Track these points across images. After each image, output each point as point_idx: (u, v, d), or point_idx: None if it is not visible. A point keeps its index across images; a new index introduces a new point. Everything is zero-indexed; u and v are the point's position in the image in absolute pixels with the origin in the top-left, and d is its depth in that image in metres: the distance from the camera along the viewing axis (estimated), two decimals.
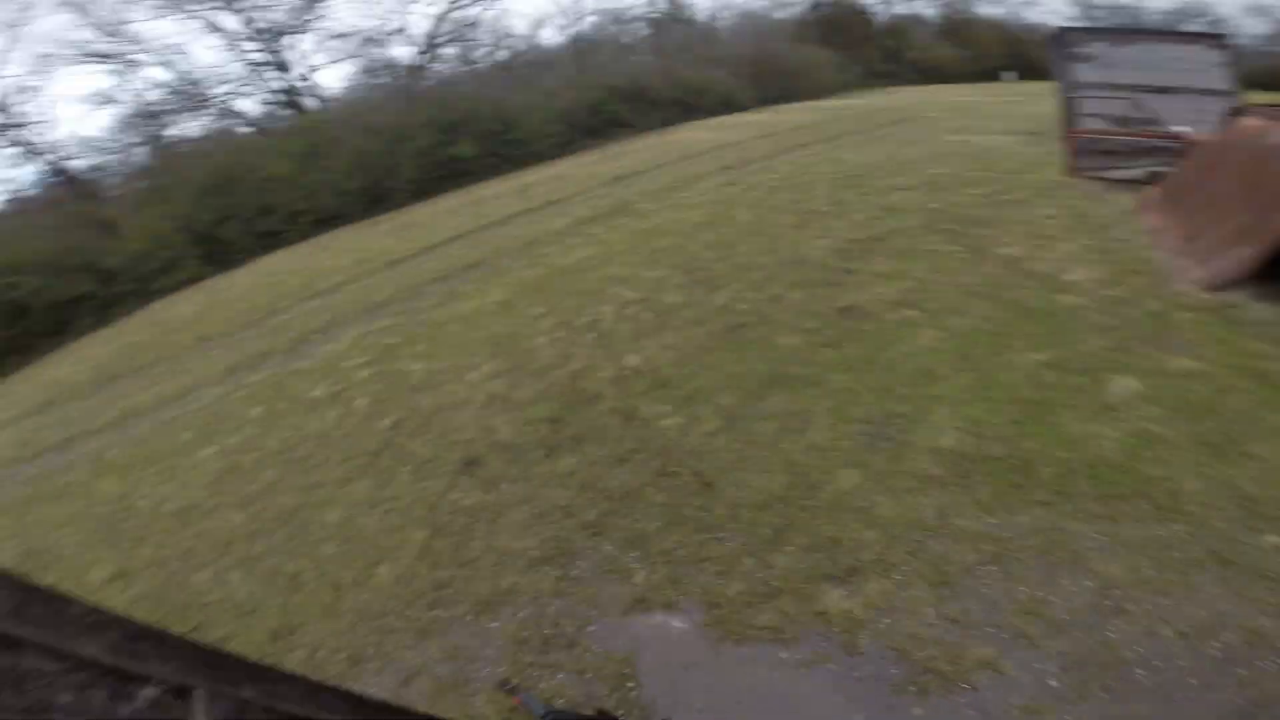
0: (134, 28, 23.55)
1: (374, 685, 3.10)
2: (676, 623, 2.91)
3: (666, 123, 23.21)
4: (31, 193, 24.93)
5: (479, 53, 28.45)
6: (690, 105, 24.86)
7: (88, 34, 23.66)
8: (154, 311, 15.05)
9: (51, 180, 24.53)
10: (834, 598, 2.77)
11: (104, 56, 24.51)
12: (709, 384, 4.73)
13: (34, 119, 24.51)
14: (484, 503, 4.09)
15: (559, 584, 3.31)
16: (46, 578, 4.43)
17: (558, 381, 5.28)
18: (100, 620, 1.15)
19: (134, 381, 9.79)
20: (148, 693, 1.17)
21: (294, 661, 3.34)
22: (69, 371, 12.65)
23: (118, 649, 1.14)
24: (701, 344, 5.37)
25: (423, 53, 26.34)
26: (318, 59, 28.55)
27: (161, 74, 25.35)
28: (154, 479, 5.94)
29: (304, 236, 16.84)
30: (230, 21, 25.06)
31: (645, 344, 5.58)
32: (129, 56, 24.82)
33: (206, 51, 43.25)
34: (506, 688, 1.73)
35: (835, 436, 3.81)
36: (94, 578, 4.65)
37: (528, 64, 28.28)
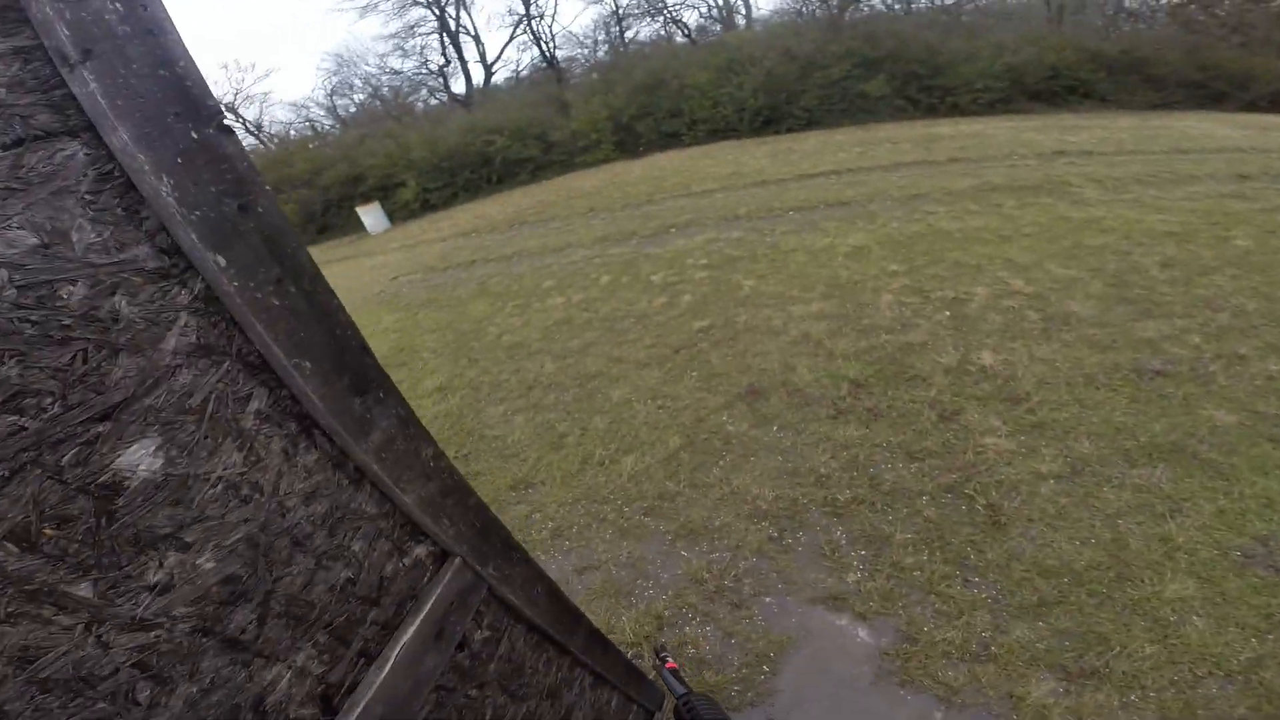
0: None
1: (553, 563, 3.37)
2: (861, 635, 2.69)
3: (1162, 105, 18.00)
4: (524, 73, 32.38)
5: None
6: (1214, 92, 18.70)
7: None
8: (567, 180, 18.31)
9: (539, 64, 31.33)
10: (1042, 689, 2.38)
11: None
12: (1074, 421, 3.68)
13: (544, 14, 31.24)
14: (746, 435, 3.98)
15: (766, 545, 3.19)
16: (395, 375, 5.84)
17: (883, 347, 4.67)
18: (435, 468, 1.19)
19: (532, 230, 12.14)
20: (419, 552, 1.23)
21: (511, 516, 3.79)
22: (495, 211, 16.38)
23: (428, 502, 1.18)
24: (1089, 373, 4.12)
25: None
26: None
27: None
28: (510, 312, 7.28)
29: (696, 143, 18.29)
30: None
31: (1012, 346, 4.51)
32: None
33: None
34: (661, 654, 1.78)
35: (1200, 541, 2.89)
36: (426, 385, 5.92)
37: (977, 10, 24.80)
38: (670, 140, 19.14)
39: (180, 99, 0.88)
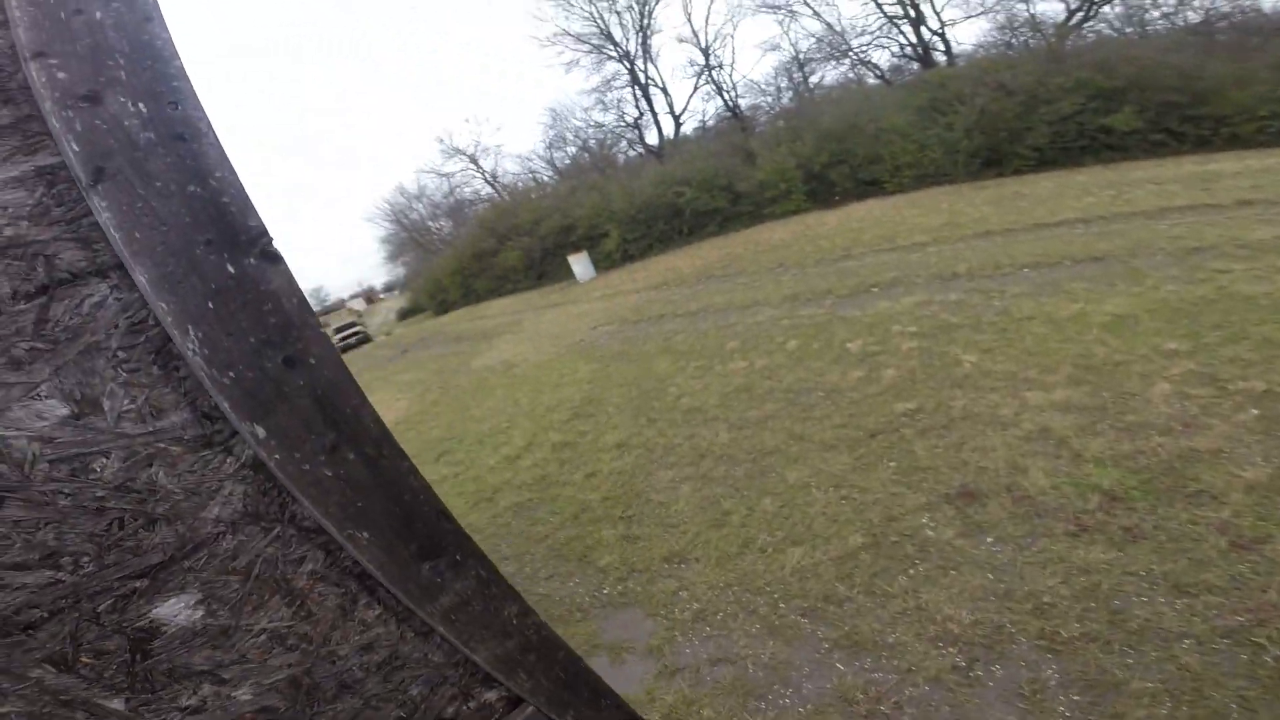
0: None
1: (687, 647, 3.23)
2: None
3: None
4: (709, 123, 33.45)
5: (1155, 13, 22.09)
6: None
7: None
8: (755, 232, 18.27)
9: (723, 114, 32.17)
10: None
11: (776, 7, 29.78)
12: None
13: (723, 63, 32.22)
14: (949, 545, 3.38)
15: (947, 673, 2.69)
16: (582, 426, 5.59)
17: (1154, 451, 3.69)
18: (518, 625, 1.06)
19: (719, 284, 12.15)
20: (488, 697, 1.10)
21: (659, 590, 3.69)
22: (684, 264, 16.78)
23: (503, 658, 1.03)
24: None
25: (1077, 9, 22.04)
26: (953, 13, 27.60)
27: (814, 25, 29.30)
28: (691, 373, 7.18)
29: (900, 190, 17.16)
30: None
31: None
32: (793, 7, 29.30)
33: (850, 4, 46.66)
34: None
35: None
36: (607, 440, 6.06)
37: (1233, 28, 20.39)
38: (869, 188, 18.23)
39: (214, 222, 0.77)
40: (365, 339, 38.39)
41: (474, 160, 43.99)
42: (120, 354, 0.76)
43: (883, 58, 28.84)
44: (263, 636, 0.89)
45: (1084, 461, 3.75)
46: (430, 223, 50.93)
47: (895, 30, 27.53)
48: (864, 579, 3.29)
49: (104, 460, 0.76)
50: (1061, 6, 22.59)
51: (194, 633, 0.84)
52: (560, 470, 5.93)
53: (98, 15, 0.72)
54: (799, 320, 7.83)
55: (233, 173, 0.80)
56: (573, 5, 33.74)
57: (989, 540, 3.34)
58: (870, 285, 8.39)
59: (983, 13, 25.13)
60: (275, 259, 0.82)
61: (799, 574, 3.47)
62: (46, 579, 0.74)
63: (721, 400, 6.04)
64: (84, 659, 0.77)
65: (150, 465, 0.79)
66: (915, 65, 26.89)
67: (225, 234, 0.78)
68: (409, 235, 52.46)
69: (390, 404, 12.96)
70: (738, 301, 9.97)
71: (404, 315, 46.22)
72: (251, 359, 0.79)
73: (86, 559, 0.76)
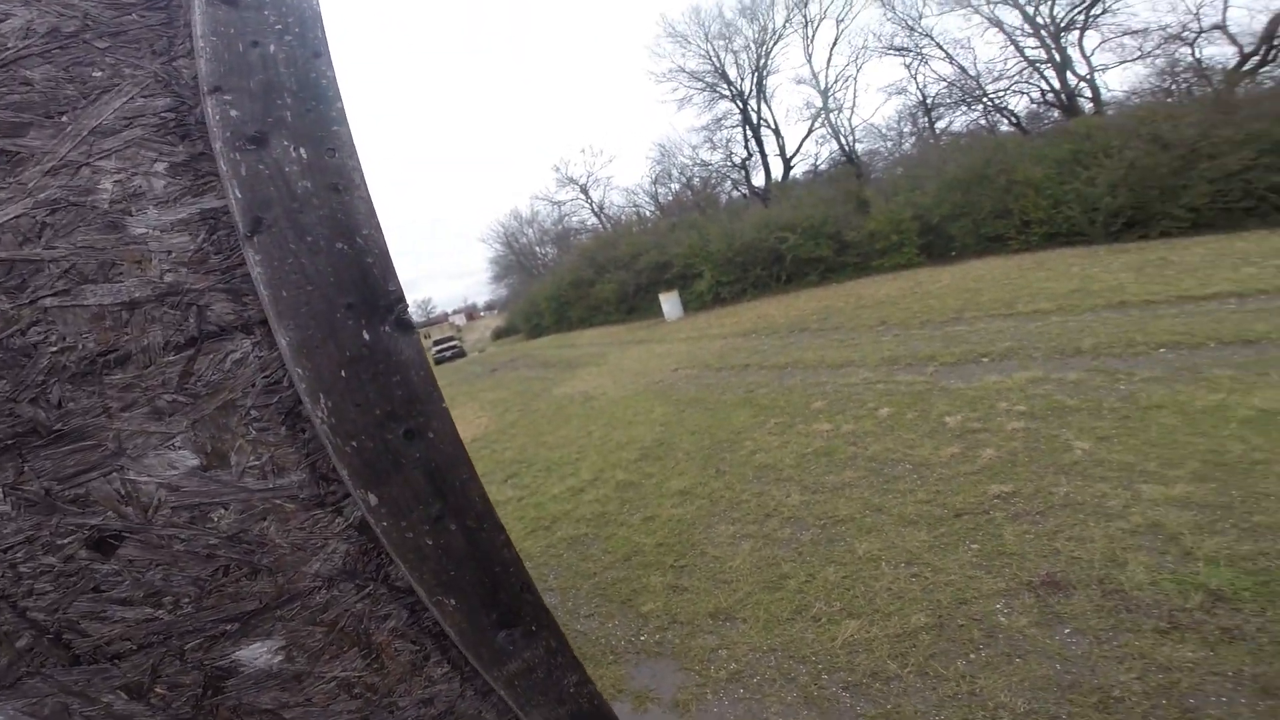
0: (929, 23, 27.25)
1: (715, 706, 3.29)
2: None
3: None
4: (822, 167, 33.29)
5: None
6: None
7: (892, 28, 28.50)
8: (859, 285, 17.90)
9: (838, 159, 31.93)
10: None
11: (904, 50, 29.21)
12: None
13: (843, 106, 31.98)
14: (1020, 632, 3.26)
15: None
16: (649, 468, 5.95)
17: None
18: (574, 694, 1.11)
19: (812, 338, 12.01)
20: None
21: (697, 645, 3.79)
22: (777, 313, 16.69)
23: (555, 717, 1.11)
24: None
25: (1252, 53, 20.08)
26: (1103, 58, 25.92)
27: (944, 68, 28.72)
28: (770, 429, 7.16)
29: (1027, 249, 16.27)
30: (1013, 16, 25.77)
31: None
32: (923, 50, 28.59)
33: (987, 47, 46.17)
34: None
35: None
36: (672, 486, 6.24)
37: None
38: (991, 245, 17.43)
39: (358, 284, 0.77)
40: (460, 354, 40.56)
41: (584, 190, 46.38)
42: (253, 413, 0.79)
43: (1020, 104, 27.44)
44: (332, 684, 0.92)
45: (1193, 559, 3.46)
46: (538, 248, 53.76)
47: (1037, 75, 26.37)
48: (919, 659, 3.24)
49: (222, 511, 0.79)
50: (1233, 50, 20.89)
51: (269, 675, 0.87)
52: (620, 510, 6.07)
53: (272, 49, 0.72)
54: (895, 386, 7.61)
55: (378, 230, 0.80)
56: (690, 43, 35.17)
57: (1066, 631, 3.21)
58: (980, 355, 8.04)
59: (1139, 57, 23.62)
60: (408, 329, 0.83)
61: (850, 647, 3.44)
62: (144, 615, 0.77)
63: (798, 461, 5.99)
64: (158, 689, 0.80)
65: (264, 519, 0.82)
66: (1056, 113, 25.65)
67: (365, 298, 0.79)
68: (516, 258, 55.58)
69: (472, 420, 13.65)
70: (830, 359, 9.82)
71: (499, 335, 48.63)
72: (374, 430, 0.81)
73: (187, 601, 0.79)
